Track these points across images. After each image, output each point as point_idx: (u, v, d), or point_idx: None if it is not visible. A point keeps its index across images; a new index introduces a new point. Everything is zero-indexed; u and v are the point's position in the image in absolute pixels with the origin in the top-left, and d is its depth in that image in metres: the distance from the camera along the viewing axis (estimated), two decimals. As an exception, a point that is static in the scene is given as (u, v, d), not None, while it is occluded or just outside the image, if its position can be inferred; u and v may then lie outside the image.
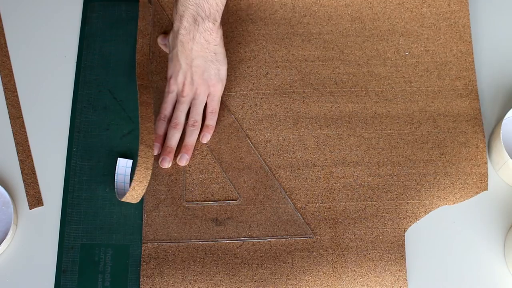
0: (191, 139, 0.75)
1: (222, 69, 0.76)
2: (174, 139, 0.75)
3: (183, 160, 0.75)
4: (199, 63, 0.74)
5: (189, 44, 0.72)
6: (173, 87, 0.76)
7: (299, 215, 0.72)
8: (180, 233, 0.72)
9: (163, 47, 0.81)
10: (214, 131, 0.77)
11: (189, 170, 0.75)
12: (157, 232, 0.72)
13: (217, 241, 0.72)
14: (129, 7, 0.84)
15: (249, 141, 0.76)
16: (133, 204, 0.73)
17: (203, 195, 0.74)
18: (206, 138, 0.76)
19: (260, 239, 0.72)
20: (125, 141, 0.77)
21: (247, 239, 0.72)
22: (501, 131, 0.73)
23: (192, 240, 0.72)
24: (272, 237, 0.72)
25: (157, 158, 0.75)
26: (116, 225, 0.73)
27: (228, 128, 0.77)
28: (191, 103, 0.77)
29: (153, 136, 0.72)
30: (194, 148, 0.76)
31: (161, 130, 0.76)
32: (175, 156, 0.76)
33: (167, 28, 0.83)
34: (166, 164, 0.75)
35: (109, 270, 0.71)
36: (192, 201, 0.74)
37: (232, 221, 0.73)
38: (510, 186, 0.75)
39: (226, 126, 0.77)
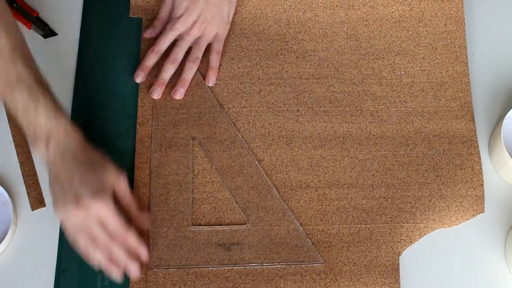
0: (189, 74, 0.75)
1: (232, 10, 0.77)
2: (169, 73, 0.75)
3: (178, 94, 0.75)
4: (215, 1, 0.75)
5: None
6: (180, 25, 0.75)
7: (309, 241, 0.71)
8: (187, 259, 0.70)
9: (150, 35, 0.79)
10: (222, 151, 0.74)
11: (195, 188, 0.73)
12: (163, 257, 0.70)
13: (225, 267, 0.69)
14: (128, 3, 0.82)
15: (255, 160, 0.74)
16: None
17: (210, 219, 0.72)
18: (212, 81, 0.76)
19: (269, 265, 0.70)
20: (123, 138, 0.76)
21: (255, 266, 0.70)
22: (502, 131, 0.72)
23: (200, 266, 0.69)
24: (281, 263, 0.70)
25: (168, 164, 0.74)
26: None
27: (237, 149, 0.75)
28: (193, 42, 0.76)
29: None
30: (200, 169, 0.74)
31: (150, 62, 0.76)
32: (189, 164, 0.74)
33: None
34: (156, 94, 0.75)
35: None
36: (199, 225, 0.71)
37: (241, 246, 0.70)
38: (510, 186, 0.75)
39: (234, 145, 0.75)
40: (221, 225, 0.71)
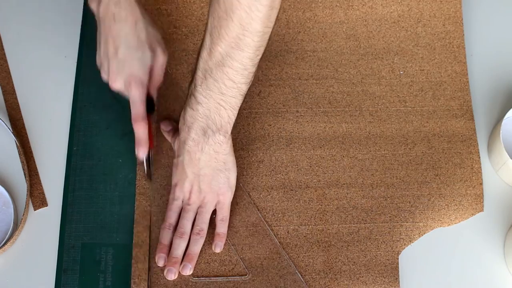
0: (195, 248, 0.70)
1: (231, 177, 0.71)
2: (180, 249, 0.70)
3: (187, 270, 0.69)
4: (207, 172, 0.70)
5: (197, 154, 0.68)
6: (179, 194, 0.71)
7: None
8: None
9: (165, 134, 0.76)
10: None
11: None
12: None
13: None
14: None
15: (258, 213, 0.73)
16: (135, 203, 0.73)
17: (210, 270, 0.70)
18: (219, 246, 0.71)
19: None
20: (126, 140, 0.76)
21: None
22: (501, 131, 0.72)
23: None
24: None
25: (169, 166, 0.73)
26: (117, 224, 0.73)
27: (236, 199, 0.73)
28: (197, 211, 0.72)
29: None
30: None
31: (166, 239, 0.71)
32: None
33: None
34: (172, 275, 0.69)
35: (110, 269, 0.71)
36: (200, 277, 0.70)
37: None
38: (510, 186, 0.75)
39: (234, 197, 0.73)
40: (221, 276, 0.70)
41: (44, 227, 0.73)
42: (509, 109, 0.75)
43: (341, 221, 0.73)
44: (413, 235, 0.72)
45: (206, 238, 0.71)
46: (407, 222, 0.73)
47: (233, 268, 0.71)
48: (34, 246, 0.72)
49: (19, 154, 0.76)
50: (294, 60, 0.80)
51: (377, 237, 0.72)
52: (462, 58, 0.81)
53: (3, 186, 0.73)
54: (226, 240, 0.72)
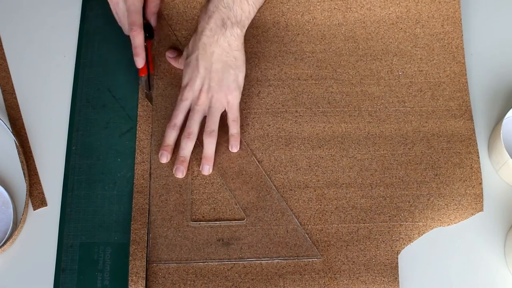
0: (210, 150, 0.73)
1: (240, 75, 0.74)
2: (187, 149, 0.73)
3: (206, 170, 0.73)
4: (218, 67, 0.73)
5: (211, 47, 0.72)
6: (188, 95, 0.74)
7: (307, 237, 0.71)
8: (187, 254, 0.71)
9: (171, 61, 0.79)
10: (222, 152, 0.75)
11: (195, 190, 0.74)
12: (163, 253, 0.71)
13: (224, 261, 0.70)
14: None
15: (256, 160, 0.75)
16: (132, 202, 0.74)
17: (209, 215, 0.73)
18: (236, 147, 0.75)
19: (266, 260, 0.70)
20: (124, 139, 0.77)
21: (253, 260, 0.70)
22: (501, 131, 0.72)
23: (199, 261, 0.70)
24: (279, 258, 0.71)
25: (168, 166, 0.74)
26: (115, 223, 0.73)
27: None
28: (205, 113, 0.74)
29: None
30: (200, 171, 0.75)
31: (170, 139, 0.74)
32: (189, 166, 0.75)
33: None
34: (181, 174, 0.73)
35: (108, 268, 0.71)
36: (198, 221, 0.72)
37: (239, 241, 0.71)
38: (510, 186, 0.75)
39: None
40: (219, 220, 0.72)
41: (44, 227, 0.73)
42: (510, 108, 0.75)
43: (341, 221, 0.73)
44: (413, 234, 0.72)
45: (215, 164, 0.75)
46: (406, 222, 0.73)
47: (230, 213, 0.72)
48: (33, 246, 0.72)
49: (18, 154, 0.76)
50: (293, 61, 0.81)
51: (376, 236, 0.72)
52: (460, 58, 0.81)
53: (2, 186, 0.73)
54: (223, 184, 0.73)
